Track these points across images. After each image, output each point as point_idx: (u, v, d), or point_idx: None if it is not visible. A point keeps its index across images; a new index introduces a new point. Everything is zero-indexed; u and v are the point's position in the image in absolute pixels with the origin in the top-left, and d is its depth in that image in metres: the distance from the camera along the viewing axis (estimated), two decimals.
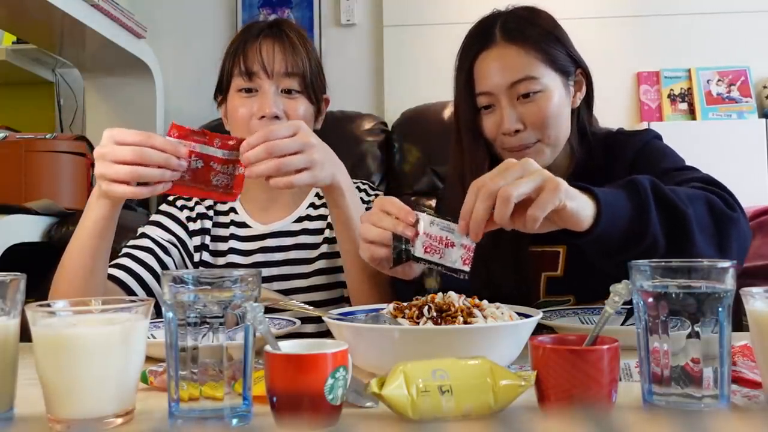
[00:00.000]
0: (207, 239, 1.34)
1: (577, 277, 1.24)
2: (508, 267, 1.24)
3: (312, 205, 1.39)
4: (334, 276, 1.33)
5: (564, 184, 0.88)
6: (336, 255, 1.34)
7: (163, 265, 1.28)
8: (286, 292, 1.30)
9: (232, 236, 1.35)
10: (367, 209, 1.38)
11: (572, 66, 1.23)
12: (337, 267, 1.32)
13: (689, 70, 2.91)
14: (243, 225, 1.37)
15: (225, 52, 1.33)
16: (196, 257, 1.33)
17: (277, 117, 1.26)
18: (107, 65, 2.84)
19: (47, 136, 2.30)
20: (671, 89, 2.91)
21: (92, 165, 2.37)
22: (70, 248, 1.11)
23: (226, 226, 1.36)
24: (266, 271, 1.32)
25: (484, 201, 0.88)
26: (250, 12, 3.12)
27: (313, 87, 1.31)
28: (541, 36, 1.19)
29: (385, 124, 2.60)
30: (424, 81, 2.90)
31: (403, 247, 0.98)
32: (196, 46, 3.10)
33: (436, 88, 2.83)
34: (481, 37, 1.21)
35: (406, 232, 0.97)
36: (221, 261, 1.33)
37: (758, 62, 2.88)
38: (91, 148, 2.41)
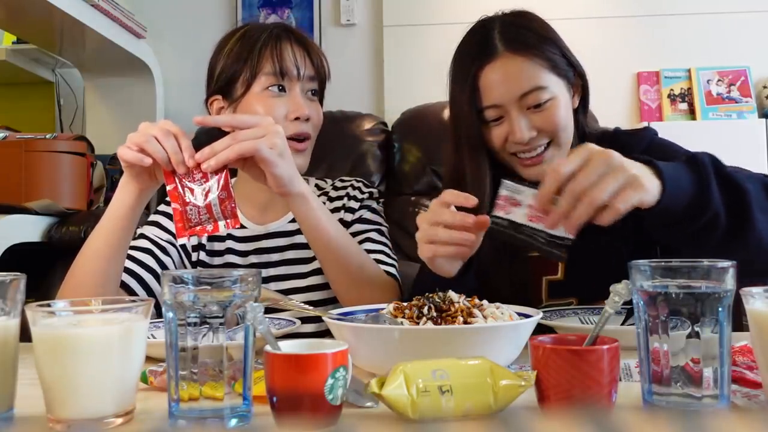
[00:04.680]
0: (204, 239, 1.34)
1: (578, 280, 1.24)
2: (505, 272, 1.24)
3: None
4: None
5: (646, 182, 0.89)
6: None
7: (163, 266, 1.28)
8: (285, 293, 1.30)
9: (229, 236, 1.35)
10: (362, 207, 1.37)
11: (570, 68, 1.23)
12: None
13: (689, 70, 2.91)
14: (239, 225, 1.36)
15: (232, 52, 1.30)
16: (194, 257, 1.34)
17: (307, 119, 1.28)
18: (107, 65, 2.84)
19: (47, 136, 2.30)
20: (671, 89, 2.91)
21: (92, 165, 2.37)
22: (92, 235, 1.13)
23: None
24: (263, 272, 1.31)
25: (570, 201, 0.89)
26: (250, 12, 3.12)
27: (324, 93, 1.36)
28: (541, 42, 1.19)
29: (385, 124, 2.59)
30: (424, 81, 2.89)
31: (507, 219, 0.97)
32: (196, 46, 3.08)
33: (436, 88, 2.82)
34: (482, 48, 1.19)
35: (468, 222, 0.99)
36: (218, 261, 1.34)
37: (758, 62, 2.88)
38: (92, 148, 2.41)
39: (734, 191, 0.96)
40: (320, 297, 1.31)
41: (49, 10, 2.18)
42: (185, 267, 1.33)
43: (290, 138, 1.25)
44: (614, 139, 1.29)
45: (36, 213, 2.10)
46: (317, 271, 1.32)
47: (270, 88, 1.27)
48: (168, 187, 1.04)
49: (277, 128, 1.08)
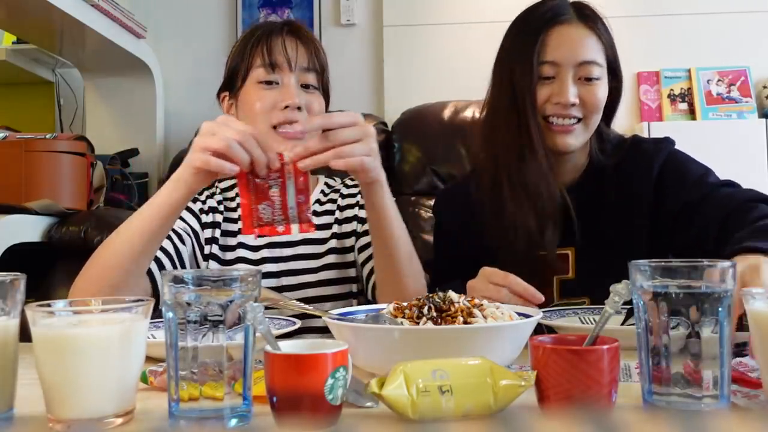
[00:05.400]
0: (217, 233, 1.34)
1: (589, 278, 1.25)
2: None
3: (318, 201, 1.40)
4: (344, 271, 1.34)
5: None
6: (346, 251, 1.35)
7: (179, 254, 1.28)
8: (296, 287, 1.31)
9: (240, 231, 1.35)
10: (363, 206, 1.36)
11: (614, 69, 1.30)
12: (347, 262, 1.34)
13: (689, 70, 2.91)
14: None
15: (236, 48, 1.34)
16: (207, 249, 1.33)
17: (299, 108, 1.27)
18: (107, 65, 2.84)
19: (47, 136, 2.29)
20: (671, 89, 2.91)
21: (92, 165, 2.37)
22: (128, 226, 1.09)
23: (235, 221, 1.37)
24: (275, 267, 1.33)
25: None
26: (250, 12, 3.12)
27: (326, 85, 1.35)
28: (605, 31, 1.27)
29: (385, 124, 2.59)
30: (424, 81, 2.89)
31: None
32: (196, 46, 3.10)
33: (436, 88, 2.83)
34: (556, 12, 1.26)
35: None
36: (230, 256, 1.34)
37: (758, 62, 2.88)
38: (92, 148, 2.41)
39: None
40: (332, 292, 1.32)
41: (49, 10, 2.18)
42: (196, 258, 1.32)
43: (278, 126, 1.26)
44: (634, 147, 1.32)
45: (36, 213, 2.10)
46: (328, 267, 1.33)
47: (261, 81, 1.28)
48: (238, 182, 1.01)
49: (370, 129, 1.06)
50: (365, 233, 1.32)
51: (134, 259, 1.08)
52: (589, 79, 1.23)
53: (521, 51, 1.25)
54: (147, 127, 2.93)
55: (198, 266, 1.32)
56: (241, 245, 1.34)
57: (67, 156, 2.26)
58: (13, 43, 2.86)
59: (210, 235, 1.34)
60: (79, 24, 2.33)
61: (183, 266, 1.27)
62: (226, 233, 1.35)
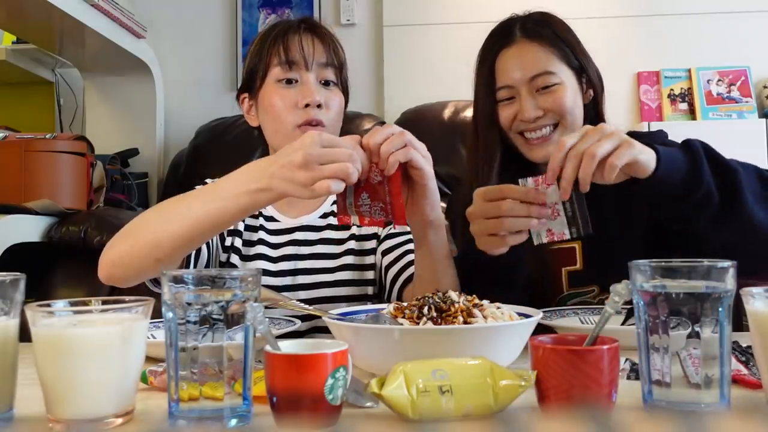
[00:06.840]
0: (241, 226, 1.34)
1: (597, 268, 1.27)
2: (529, 265, 1.25)
3: (335, 202, 1.39)
4: (361, 273, 1.33)
5: (638, 145, 0.98)
6: (365, 253, 1.34)
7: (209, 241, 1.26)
8: (312, 286, 1.30)
9: (261, 228, 1.35)
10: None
11: (581, 67, 1.31)
12: (365, 264, 1.33)
13: (689, 70, 2.91)
14: (271, 219, 1.37)
15: (254, 48, 1.33)
16: (228, 241, 1.32)
17: (319, 106, 1.26)
18: (107, 65, 2.84)
19: (47, 136, 2.30)
20: (671, 89, 2.91)
21: (92, 165, 2.37)
22: (187, 209, 1.02)
23: (256, 216, 1.36)
24: (293, 264, 1.32)
25: (573, 161, 0.96)
26: (250, 12, 3.12)
27: (345, 81, 1.35)
28: (555, 36, 1.29)
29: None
30: (424, 81, 2.89)
31: None
32: (196, 46, 3.10)
33: (436, 88, 2.84)
34: (502, 36, 1.31)
35: (543, 213, 1.03)
36: (251, 251, 1.33)
37: (758, 62, 2.88)
38: (92, 148, 2.41)
39: (725, 172, 1.04)
40: (348, 293, 1.31)
41: (49, 10, 2.18)
42: (217, 249, 1.31)
43: (302, 126, 1.25)
44: None
45: (36, 213, 2.10)
46: (345, 267, 1.32)
47: (279, 80, 1.28)
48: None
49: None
50: (388, 237, 1.33)
51: (188, 244, 1.03)
52: (546, 88, 1.26)
53: (480, 81, 1.32)
54: (147, 127, 2.93)
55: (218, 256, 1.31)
56: (261, 242, 1.34)
57: (67, 156, 2.27)
58: (13, 43, 2.86)
59: (232, 228, 1.33)
60: (79, 24, 2.33)
61: (208, 252, 1.26)
62: (249, 228, 1.34)
